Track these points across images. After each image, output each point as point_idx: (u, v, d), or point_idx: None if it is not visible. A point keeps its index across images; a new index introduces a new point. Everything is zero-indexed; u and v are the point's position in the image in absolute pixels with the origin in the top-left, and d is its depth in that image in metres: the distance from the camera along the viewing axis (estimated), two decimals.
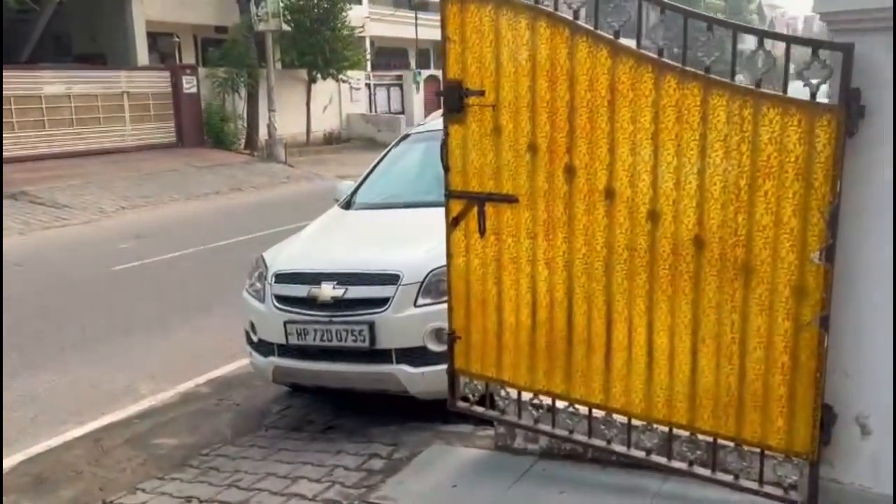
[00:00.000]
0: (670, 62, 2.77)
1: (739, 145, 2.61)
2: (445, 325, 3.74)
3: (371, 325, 3.83)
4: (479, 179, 3.26)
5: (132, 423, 4.70)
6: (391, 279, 3.89)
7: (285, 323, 4.03)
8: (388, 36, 27.71)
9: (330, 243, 4.57)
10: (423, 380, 3.85)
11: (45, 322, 6.65)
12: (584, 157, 2.96)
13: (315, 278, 4.05)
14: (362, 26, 21.89)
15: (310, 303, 4.01)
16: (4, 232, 10.37)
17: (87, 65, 17.46)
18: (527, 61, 3.04)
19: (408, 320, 3.84)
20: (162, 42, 20.12)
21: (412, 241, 4.21)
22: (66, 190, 13.13)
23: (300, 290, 4.06)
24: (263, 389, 5.02)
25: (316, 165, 18.20)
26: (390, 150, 5.69)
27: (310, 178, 16.54)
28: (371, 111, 25.29)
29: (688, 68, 2.72)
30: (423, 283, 3.87)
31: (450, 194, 3.36)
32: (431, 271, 3.88)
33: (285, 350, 4.13)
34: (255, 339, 4.37)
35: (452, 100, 3.25)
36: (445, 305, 3.79)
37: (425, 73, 28.23)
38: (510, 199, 3.18)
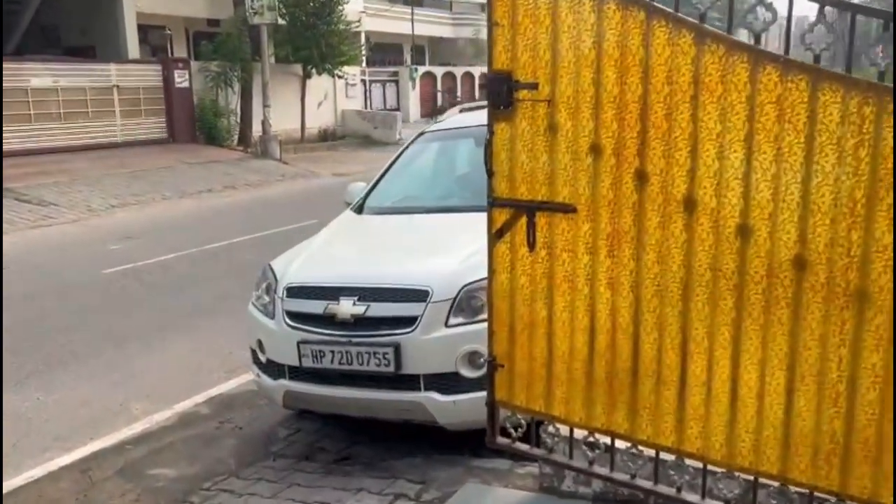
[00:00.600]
0: (769, 51, 2.35)
1: (857, 149, 2.20)
2: (480, 347, 3.35)
3: (397, 348, 3.41)
4: (530, 185, 2.83)
5: (125, 449, 4.25)
6: (419, 295, 3.46)
7: (299, 343, 3.59)
8: (383, 31, 27.26)
9: (347, 253, 4.14)
10: (455, 409, 3.43)
11: (30, 331, 6.18)
12: (658, 161, 2.54)
13: (332, 293, 3.61)
14: (358, 21, 21.42)
15: (327, 321, 3.58)
16: None
17: (75, 57, 16.92)
18: (591, 49, 2.62)
19: (438, 342, 3.41)
20: (153, 35, 19.58)
21: (440, 252, 3.79)
22: (53, 187, 12.61)
23: (316, 307, 3.62)
24: (268, 411, 4.58)
25: (311, 163, 17.72)
26: (405, 149, 5.26)
27: (306, 176, 16.07)
28: (366, 108, 24.81)
29: (791, 58, 2.30)
30: (455, 299, 3.45)
31: (494, 202, 2.94)
32: (464, 287, 3.46)
33: (298, 373, 3.70)
34: (262, 359, 3.94)
35: (499, 94, 2.83)
36: (480, 326, 3.39)
37: (421, 69, 27.78)
38: (567, 209, 2.76)
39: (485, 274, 3.48)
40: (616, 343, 2.76)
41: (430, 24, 30.54)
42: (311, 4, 19.37)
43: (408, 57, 30.85)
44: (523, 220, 2.87)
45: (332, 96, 22.95)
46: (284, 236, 9.77)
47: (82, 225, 10.79)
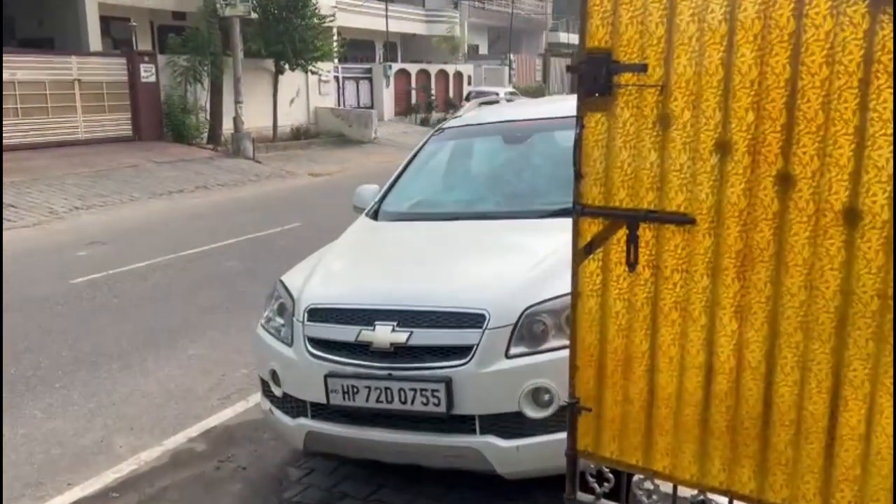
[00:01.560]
0: None
1: None
2: (548, 382, 2.83)
3: (448, 384, 2.85)
4: (632, 191, 2.31)
5: (109, 497, 3.63)
6: (473, 320, 2.91)
7: (326, 377, 3.02)
8: (355, 27, 26.55)
9: (376, 268, 3.55)
10: (518, 456, 2.89)
11: None
12: (810, 162, 2.04)
13: (366, 317, 3.05)
14: (332, 15, 20.70)
15: (360, 350, 3.02)
16: None
17: (32, 49, 15.95)
18: (721, 21, 2.10)
19: (498, 377, 2.87)
20: (115, 27, 18.64)
21: (493, 268, 3.24)
22: (11, 187, 11.72)
23: (346, 333, 3.05)
24: (274, 446, 4.00)
25: (286, 162, 17.02)
26: (421, 148, 4.71)
27: (281, 176, 15.37)
28: (339, 105, 24.11)
29: None
30: (516, 325, 2.91)
31: (583, 211, 2.40)
32: (527, 309, 2.92)
33: (324, 411, 3.12)
34: (277, 392, 3.35)
35: (594, 78, 2.29)
36: (547, 356, 2.88)
37: (395, 66, 27.15)
38: (682, 220, 2.24)
39: (550, 293, 2.98)
40: (742, 385, 2.25)
41: (403, 21, 29.93)
42: None
43: (380, 54, 30.19)
44: (622, 232, 2.35)
45: (304, 93, 22.21)
46: (267, 241, 9.15)
47: (43, 229, 9.99)
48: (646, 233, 2.31)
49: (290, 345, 3.26)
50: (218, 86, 17.89)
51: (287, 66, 19.51)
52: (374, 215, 4.24)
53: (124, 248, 8.85)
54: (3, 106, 14.32)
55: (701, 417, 2.33)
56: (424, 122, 26.92)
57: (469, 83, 30.34)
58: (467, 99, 25.84)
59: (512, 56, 34.66)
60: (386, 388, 2.92)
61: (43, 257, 8.45)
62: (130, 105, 16.62)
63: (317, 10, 19.52)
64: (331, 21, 20.38)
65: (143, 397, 4.72)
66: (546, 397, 2.85)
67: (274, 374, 3.34)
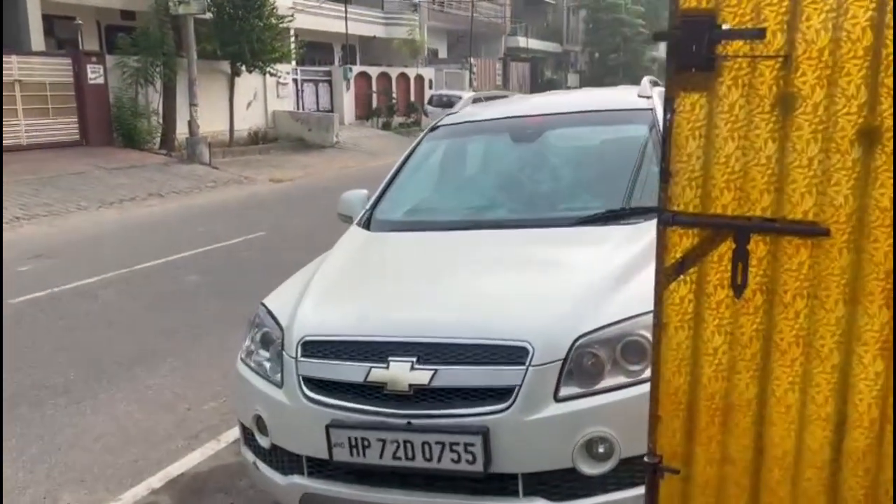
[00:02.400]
0: None
1: None
2: (606, 430, 2.31)
3: (485, 436, 2.30)
4: (741, 193, 1.80)
5: None
6: (513, 355, 2.36)
7: (329, 427, 2.44)
8: (313, 29, 25.79)
9: (383, 288, 2.95)
10: None
11: None
12: None
13: (377, 351, 2.48)
14: (291, 16, 19.96)
15: (371, 393, 2.45)
16: None
17: None
18: None
19: (546, 426, 2.32)
20: (60, 27, 17.61)
21: (530, 288, 2.69)
22: None
23: (353, 372, 2.48)
24: (255, 498, 3.38)
25: (244, 167, 16.24)
26: (416, 148, 4.15)
27: (240, 183, 14.61)
28: (298, 108, 23.34)
29: None
30: (566, 360, 2.37)
31: (673, 219, 1.88)
32: (578, 340, 2.39)
33: (324, 468, 2.54)
34: (264, 443, 2.75)
35: (692, 47, 1.78)
36: (604, 398, 2.37)
37: (355, 69, 26.49)
38: (810, 230, 1.73)
39: (603, 319, 2.45)
40: (885, 442, 1.75)
41: (362, 23, 29.25)
42: None
43: (338, 57, 29.47)
44: (725, 247, 1.83)
45: (262, 96, 21.38)
46: (230, 252, 8.46)
47: None
48: (759, 247, 1.80)
49: (279, 385, 2.67)
50: (171, 88, 17.01)
51: (244, 68, 18.71)
52: (367, 224, 3.66)
53: (71, 262, 8.07)
54: None
55: (828, 483, 1.83)
56: (386, 126, 26.31)
57: (430, 87, 29.81)
58: (430, 102, 25.34)
59: (473, 60, 34.29)
60: (405, 442, 2.35)
61: None
62: (77, 108, 15.64)
63: (274, 10, 18.78)
64: (289, 21, 19.65)
65: (96, 440, 4.05)
66: (603, 449, 2.32)
67: (259, 420, 2.75)
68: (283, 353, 2.70)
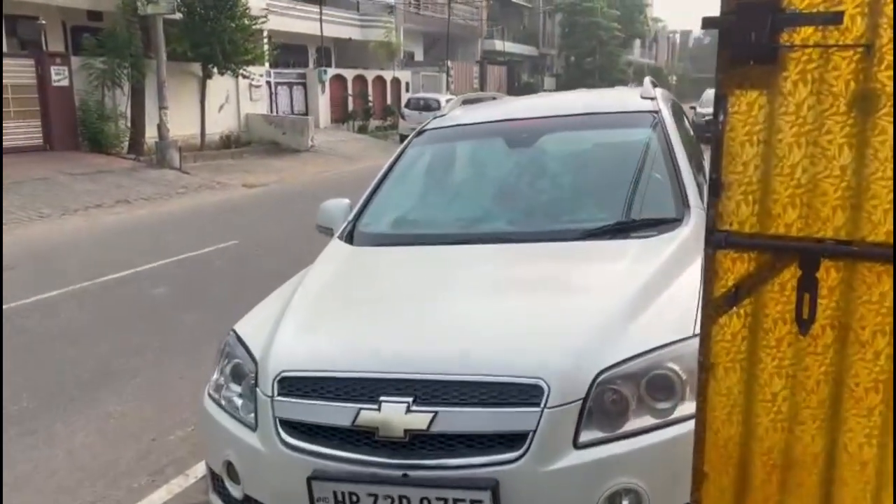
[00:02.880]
0: None
1: None
2: (634, 481, 2.01)
3: (494, 490, 1.98)
4: (809, 210, 1.51)
5: None
6: (525, 394, 2.05)
7: (310, 479, 2.10)
8: (287, 31, 25.32)
9: (372, 314, 2.59)
10: None
11: None
12: None
13: (367, 389, 2.16)
14: (265, 17, 19.50)
15: (360, 439, 2.12)
16: None
17: None
18: None
19: (566, 477, 2.01)
20: (23, 27, 16.99)
21: (536, 314, 2.37)
22: None
23: (338, 414, 2.15)
24: None
25: (216, 172, 15.77)
26: (402, 153, 3.82)
27: (212, 188, 14.14)
28: (272, 112, 22.87)
29: None
30: (586, 399, 2.06)
31: (725, 240, 1.59)
32: (600, 376, 2.08)
33: None
34: (235, 493, 2.40)
35: (750, 34, 1.48)
36: (631, 444, 2.06)
37: (331, 71, 26.07)
38: (894, 255, 1.44)
39: (626, 351, 2.15)
40: None
41: (337, 25, 28.81)
42: None
43: (312, 59, 29.02)
44: (789, 273, 1.54)
45: (234, 99, 20.89)
46: (201, 262, 8.06)
47: None
48: (830, 275, 1.51)
49: (253, 428, 2.33)
50: (139, 90, 16.48)
51: (216, 70, 18.20)
52: (349, 238, 3.33)
53: (31, 274, 7.60)
54: None
55: None
56: (362, 130, 25.92)
57: (407, 90, 29.48)
58: (407, 106, 24.99)
59: (449, 63, 34.01)
60: (401, 498, 2.03)
61: None
62: (40, 111, 15.06)
63: (247, 11, 18.31)
64: (262, 23, 19.18)
65: (50, 476, 3.66)
66: (629, 502, 2.02)
67: (230, 467, 2.40)
68: (258, 389, 2.36)
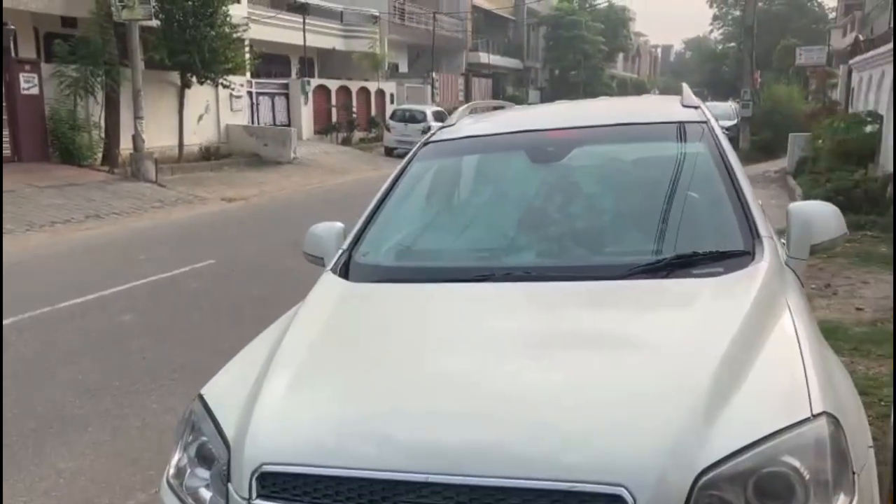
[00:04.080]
0: None
1: None
2: None
3: None
4: None
5: None
6: None
7: None
8: (269, 40, 24.73)
9: (381, 384, 1.95)
10: None
11: None
12: None
13: (380, 495, 1.56)
14: (246, 25, 18.90)
15: None
16: None
17: None
18: None
19: None
20: None
21: (600, 387, 1.79)
22: None
23: None
24: None
25: (194, 186, 15.10)
26: (405, 168, 3.24)
27: (189, 202, 13.47)
28: (253, 122, 22.22)
29: None
30: None
31: None
32: (701, 478, 1.52)
33: None
34: None
35: None
36: None
37: (314, 82, 25.49)
38: None
39: (728, 443, 1.59)
40: None
41: (319, 35, 28.24)
42: (189, 3, 16.71)
43: (295, 69, 28.42)
44: None
45: (214, 109, 20.19)
46: (174, 284, 7.41)
47: None
48: None
49: None
50: (114, 99, 15.77)
51: (195, 79, 17.55)
52: (344, 271, 2.73)
53: None
54: None
55: None
56: (346, 142, 25.33)
57: (392, 101, 28.95)
58: (392, 117, 24.45)
59: (434, 75, 33.56)
60: None
61: None
62: (8, 120, 14.32)
63: (228, 19, 17.70)
64: (243, 31, 18.58)
65: None
66: None
67: None
68: (229, 486, 1.76)
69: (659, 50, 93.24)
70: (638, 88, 58.64)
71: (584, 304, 2.25)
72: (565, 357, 1.95)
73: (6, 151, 14.40)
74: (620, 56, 63.15)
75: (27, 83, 14.45)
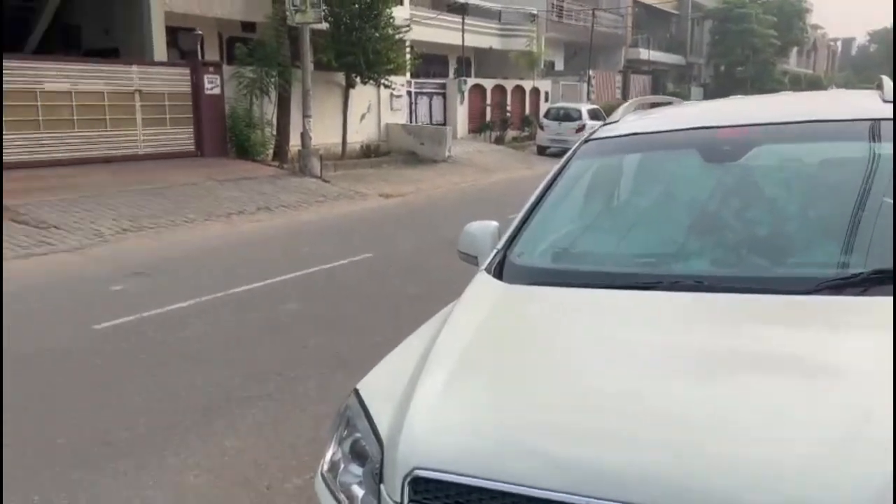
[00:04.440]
0: None
1: None
2: None
3: None
4: None
5: None
6: None
7: None
8: (428, 41, 25.30)
9: (555, 392, 1.84)
10: None
11: None
12: None
13: None
14: (408, 26, 19.42)
15: None
16: None
17: (95, 58, 15.17)
18: None
19: None
20: (183, 38, 17.76)
21: (785, 414, 1.59)
22: (58, 205, 10.70)
23: None
24: None
25: (355, 181, 15.71)
26: (565, 166, 3.11)
27: (350, 197, 14.04)
28: (411, 121, 22.83)
29: None
30: None
31: None
32: None
33: None
34: None
35: None
36: None
37: (470, 81, 25.77)
38: None
39: None
40: None
41: (477, 35, 28.54)
42: (356, 6, 17.43)
43: (452, 69, 28.90)
44: None
45: (375, 108, 20.97)
46: (334, 276, 7.72)
47: (85, 254, 8.81)
48: None
49: None
50: (286, 99, 16.78)
51: (358, 80, 18.31)
52: (498, 271, 2.65)
53: (167, 281, 7.54)
54: (61, 117, 13.48)
55: None
56: (499, 141, 25.40)
57: (546, 99, 28.69)
58: (546, 116, 24.21)
59: (591, 72, 32.89)
60: None
61: (75, 289, 7.20)
62: (193, 118, 15.63)
63: (391, 21, 18.28)
64: (405, 32, 19.11)
65: None
66: None
67: None
68: (382, 487, 1.74)
69: (839, 43, 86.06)
70: (813, 85, 54.37)
71: (765, 321, 2.03)
72: (746, 380, 1.75)
73: (190, 146, 15.72)
74: (794, 50, 58.85)
75: (210, 84, 15.67)
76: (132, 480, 3.60)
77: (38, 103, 13.15)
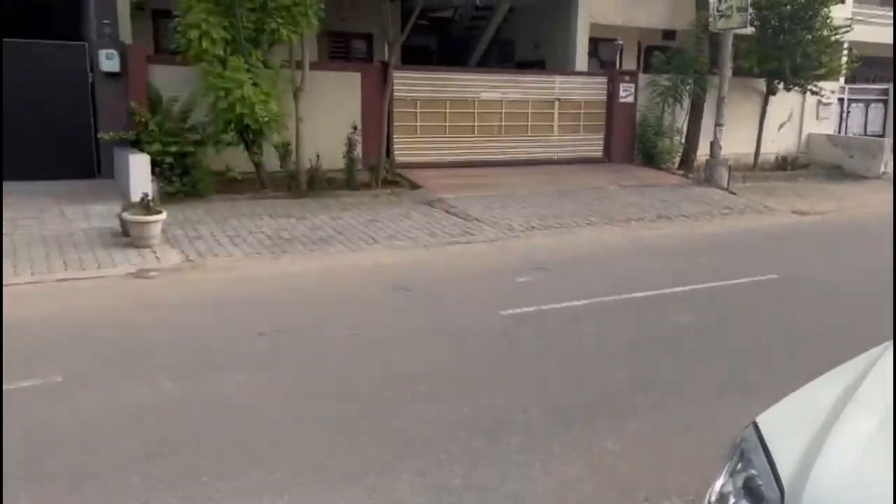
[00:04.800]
0: None
1: None
2: None
3: None
4: None
5: None
6: None
7: None
8: (870, 42, 22.12)
9: None
10: None
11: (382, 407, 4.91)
12: None
13: None
14: (848, 27, 17.27)
15: None
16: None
17: (521, 69, 16.69)
18: None
19: None
20: (603, 48, 18.51)
21: None
22: (481, 202, 12.06)
23: None
24: None
25: (764, 195, 14.59)
26: None
27: (757, 211, 13.10)
28: (840, 132, 20.33)
29: None
30: None
31: None
32: None
33: None
34: None
35: None
36: None
37: None
38: None
39: None
40: None
41: None
42: (788, 7, 16.09)
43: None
44: None
45: (797, 117, 19.17)
46: (730, 294, 7.31)
47: (497, 246, 9.78)
48: None
49: None
50: (699, 107, 16.34)
51: (781, 86, 16.93)
52: None
53: (566, 278, 7.97)
54: (490, 123, 15.16)
55: None
56: None
57: None
58: None
59: None
60: None
61: (486, 278, 8.06)
62: (605, 125, 16.19)
63: (828, 21, 16.48)
64: (844, 32, 17.05)
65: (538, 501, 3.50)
66: None
67: None
68: None
69: None
70: None
71: None
72: None
73: (598, 153, 16.32)
74: None
75: (625, 92, 16.04)
76: (522, 459, 3.91)
77: (475, 111, 14.99)
